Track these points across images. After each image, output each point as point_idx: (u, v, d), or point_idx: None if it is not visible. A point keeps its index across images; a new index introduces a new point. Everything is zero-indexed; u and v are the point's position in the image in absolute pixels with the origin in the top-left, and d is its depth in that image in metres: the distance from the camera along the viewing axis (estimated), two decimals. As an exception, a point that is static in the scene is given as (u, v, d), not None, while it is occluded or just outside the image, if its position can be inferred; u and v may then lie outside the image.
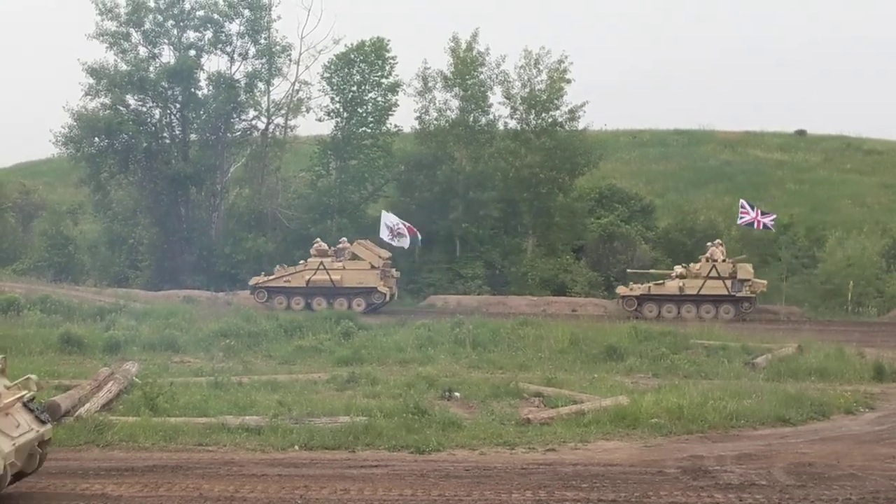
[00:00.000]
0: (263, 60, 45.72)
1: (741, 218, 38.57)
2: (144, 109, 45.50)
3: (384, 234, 37.39)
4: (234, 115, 45.64)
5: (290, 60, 46.13)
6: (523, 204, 44.25)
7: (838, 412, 17.52)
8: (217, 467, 13.00)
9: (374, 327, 27.65)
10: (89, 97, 44.14)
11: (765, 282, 35.88)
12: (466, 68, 44.58)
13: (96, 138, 43.68)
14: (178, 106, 45.71)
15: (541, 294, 39.61)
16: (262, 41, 45.82)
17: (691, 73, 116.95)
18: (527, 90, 44.78)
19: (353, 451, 14.06)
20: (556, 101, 44.56)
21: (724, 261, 35.17)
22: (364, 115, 45.35)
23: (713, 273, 34.86)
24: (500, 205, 43.76)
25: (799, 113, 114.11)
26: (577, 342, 24.75)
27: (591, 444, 14.89)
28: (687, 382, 19.39)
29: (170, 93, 45.26)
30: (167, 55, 45.64)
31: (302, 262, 37.51)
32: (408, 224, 37.78)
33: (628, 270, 37.60)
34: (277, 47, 45.83)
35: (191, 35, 45.92)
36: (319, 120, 46.57)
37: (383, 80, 45.36)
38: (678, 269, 35.79)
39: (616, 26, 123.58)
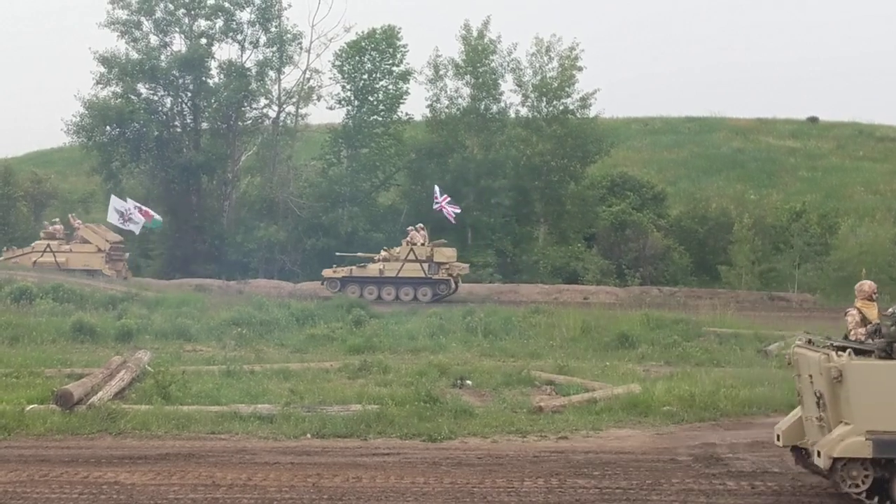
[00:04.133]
0: (274, 49, 45.67)
1: (435, 203, 39.13)
2: (156, 98, 45.63)
3: (113, 218, 37.38)
4: (245, 104, 45.65)
5: (301, 49, 46.13)
6: (535, 192, 44.18)
7: (851, 400, 17.43)
8: (230, 455, 13.04)
9: (385, 316, 27.66)
10: (100, 86, 44.33)
11: (466, 265, 36.52)
12: (478, 56, 44.42)
13: (108, 127, 43.80)
14: (189, 94, 45.78)
15: (552, 282, 39.50)
16: (273, 29, 45.76)
17: (704, 61, 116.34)
18: (538, 78, 44.63)
19: (366, 440, 14.08)
20: (567, 89, 44.40)
21: (423, 245, 35.73)
22: (375, 103, 45.22)
23: (411, 256, 35.45)
24: (511, 193, 43.57)
25: (811, 100, 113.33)
26: (588, 330, 24.72)
27: (602, 431, 14.88)
28: (699, 370, 19.35)
29: (181, 81, 45.34)
30: (178, 44, 45.78)
31: (33, 244, 37.88)
32: (144, 208, 37.79)
33: (336, 253, 37.94)
34: (288, 35, 45.73)
35: (202, 23, 45.96)
36: (330, 108, 46.67)
37: (394, 69, 45.23)
38: (383, 252, 36.31)
39: (627, 16, 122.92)
